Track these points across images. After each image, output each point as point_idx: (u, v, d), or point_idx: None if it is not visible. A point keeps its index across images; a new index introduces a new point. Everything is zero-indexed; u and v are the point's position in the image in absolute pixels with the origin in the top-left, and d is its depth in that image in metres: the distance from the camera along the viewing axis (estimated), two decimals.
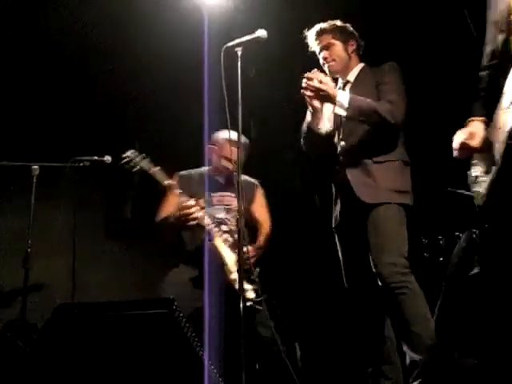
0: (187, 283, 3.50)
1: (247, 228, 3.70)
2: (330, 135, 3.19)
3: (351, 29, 3.33)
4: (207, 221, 3.50)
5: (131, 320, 2.48)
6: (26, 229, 3.99)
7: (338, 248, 3.22)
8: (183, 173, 3.78)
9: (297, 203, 4.93)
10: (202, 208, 3.50)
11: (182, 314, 2.44)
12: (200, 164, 3.90)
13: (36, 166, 4.06)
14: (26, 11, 4.52)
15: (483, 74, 2.39)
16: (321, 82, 2.97)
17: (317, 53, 3.30)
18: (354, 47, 3.31)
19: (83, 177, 4.30)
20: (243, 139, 3.57)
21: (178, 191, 3.49)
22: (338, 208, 3.24)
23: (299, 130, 3.29)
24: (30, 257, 3.95)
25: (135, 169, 3.54)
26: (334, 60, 3.25)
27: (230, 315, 3.23)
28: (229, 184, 3.72)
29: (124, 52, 4.76)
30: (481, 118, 2.34)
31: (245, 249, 3.51)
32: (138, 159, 3.55)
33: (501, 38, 2.24)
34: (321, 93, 2.97)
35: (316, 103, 3.06)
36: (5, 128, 4.75)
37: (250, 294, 3.48)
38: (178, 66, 4.59)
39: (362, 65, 3.32)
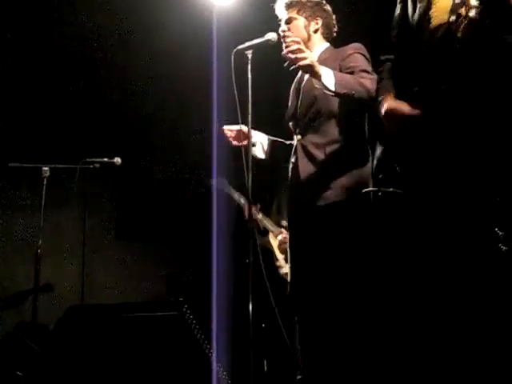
0: None
1: None
2: None
3: (325, 7, 3.04)
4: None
5: (141, 322, 2.49)
6: (37, 230, 4.02)
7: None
8: None
9: None
10: None
11: (191, 316, 2.45)
12: (209, 164, 3.94)
13: (46, 168, 4.07)
14: (35, 17, 4.55)
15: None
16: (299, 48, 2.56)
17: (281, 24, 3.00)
18: (319, 26, 3.00)
19: (93, 178, 4.32)
20: None
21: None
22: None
23: None
24: (41, 258, 3.97)
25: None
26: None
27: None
28: None
29: (134, 55, 4.78)
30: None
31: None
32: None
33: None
34: (301, 62, 2.56)
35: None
36: (15, 130, 4.77)
37: None
38: (187, 69, 4.60)
39: (325, 45, 3.02)
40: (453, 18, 2.00)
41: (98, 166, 4.20)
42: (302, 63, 2.59)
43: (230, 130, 3.08)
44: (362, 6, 3.80)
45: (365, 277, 2.61)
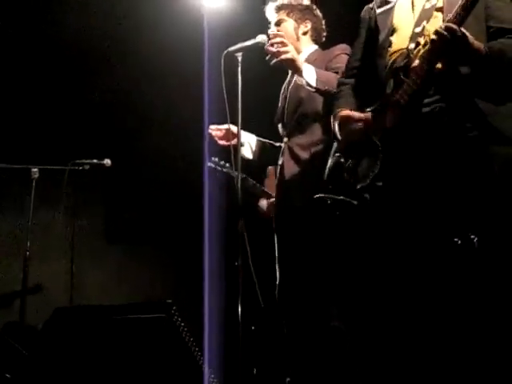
0: None
1: None
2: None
3: (315, 11, 3.09)
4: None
5: (129, 323, 2.48)
6: (26, 231, 4.00)
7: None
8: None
9: None
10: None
11: (180, 319, 2.44)
12: (200, 166, 3.91)
13: (36, 169, 4.06)
14: (29, 14, 4.53)
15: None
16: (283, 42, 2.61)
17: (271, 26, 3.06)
18: (308, 29, 3.04)
19: (83, 180, 4.31)
20: None
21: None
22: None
23: None
24: (29, 259, 3.95)
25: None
26: None
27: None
28: None
29: (124, 56, 4.77)
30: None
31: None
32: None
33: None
34: (282, 56, 2.59)
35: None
36: (5, 130, 4.75)
37: None
38: (178, 70, 4.60)
39: (314, 47, 3.05)
40: (412, 45, 2.09)
41: (87, 167, 4.20)
42: (283, 57, 2.60)
43: (217, 129, 3.08)
44: (353, 7, 3.82)
45: (351, 278, 2.62)
